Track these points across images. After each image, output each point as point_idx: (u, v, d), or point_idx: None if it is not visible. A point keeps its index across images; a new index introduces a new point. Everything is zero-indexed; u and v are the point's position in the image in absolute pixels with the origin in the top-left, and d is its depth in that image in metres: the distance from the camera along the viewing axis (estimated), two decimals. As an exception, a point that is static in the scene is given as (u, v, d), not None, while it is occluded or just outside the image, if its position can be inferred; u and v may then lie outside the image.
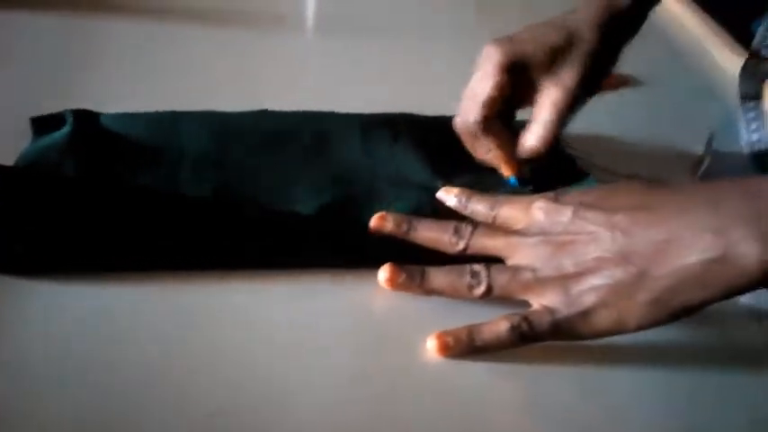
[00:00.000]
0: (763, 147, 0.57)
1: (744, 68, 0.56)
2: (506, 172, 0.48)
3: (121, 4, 0.66)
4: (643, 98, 0.64)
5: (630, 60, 0.62)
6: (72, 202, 0.41)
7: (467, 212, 0.44)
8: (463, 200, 0.44)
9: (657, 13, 0.77)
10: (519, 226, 0.41)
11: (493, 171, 0.49)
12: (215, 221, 0.42)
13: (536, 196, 0.41)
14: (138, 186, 0.44)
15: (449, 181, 0.47)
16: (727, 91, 0.64)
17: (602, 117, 0.58)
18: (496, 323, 0.38)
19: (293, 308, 0.39)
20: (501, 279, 0.39)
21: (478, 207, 0.43)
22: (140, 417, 0.33)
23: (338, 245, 0.43)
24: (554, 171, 0.50)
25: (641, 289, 0.35)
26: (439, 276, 0.40)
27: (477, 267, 0.39)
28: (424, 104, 0.53)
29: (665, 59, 0.71)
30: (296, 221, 0.43)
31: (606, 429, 0.36)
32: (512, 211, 0.42)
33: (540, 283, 0.38)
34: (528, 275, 0.38)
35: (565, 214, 0.38)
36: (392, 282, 0.40)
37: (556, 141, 0.47)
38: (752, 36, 0.69)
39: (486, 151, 0.47)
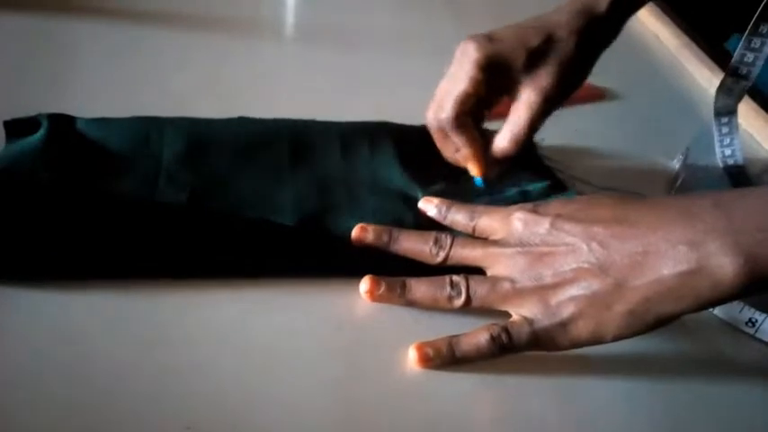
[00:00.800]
0: (735, 161, 0.57)
1: (721, 86, 0.57)
2: (474, 172, 0.48)
3: (100, 8, 0.66)
4: (621, 112, 0.64)
5: (609, 75, 0.63)
6: (45, 209, 0.41)
7: (446, 222, 0.44)
8: (443, 210, 0.44)
9: (636, 30, 0.78)
10: (498, 236, 0.41)
11: (469, 179, 0.49)
12: (191, 229, 0.42)
13: (515, 207, 0.41)
14: (114, 193, 0.44)
15: (427, 188, 0.47)
16: (703, 106, 0.65)
17: (581, 130, 0.59)
18: (476, 334, 0.38)
19: (272, 319, 0.39)
20: (480, 290, 0.39)
21: (458, 217, 0.43)
22: (118, 428, 0.32)
23: (317, 254, 0.42)
24: (520, 176, 0.50)
25: (618, 300, 0.36)
26: (419, 288, 0.40)
27: (457, 278, 0.40)
28: (401, 113, 0.53)
29: (643, 75, 0.72)
30: (274, 230, 0.43)
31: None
32: (491, 222, 0.42)
33: (519, 293, 0.38)
34: (507, 286, 0.38)
35: (543, 225, 0.39)
36: (372, 293, 0.40)
37: (527, 147, 0.47)
38: (726, 53, 0.70)
39: (455, 150, 0.47)
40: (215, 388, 0.35)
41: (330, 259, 0.42)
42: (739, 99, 0.57)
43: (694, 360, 0.41)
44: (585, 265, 0.37)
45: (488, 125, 0.49)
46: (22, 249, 0.39)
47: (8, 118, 0.47)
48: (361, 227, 0.43)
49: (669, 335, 0.40)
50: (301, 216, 0.44)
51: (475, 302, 0.39)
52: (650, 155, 0.58)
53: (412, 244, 0.42)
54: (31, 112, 0.48)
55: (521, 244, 0.39)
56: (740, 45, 0.54)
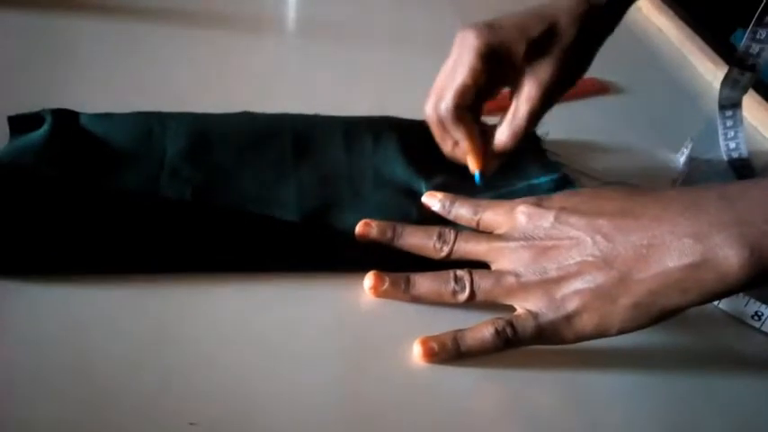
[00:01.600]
0: (740, 154, 0.57)
1: (726, 78, 0.56)
2: (473, 167, 0.47)
3: (102, 5, 0.66)
4: (624, 106, 0.64)
5: (613, 69, 0.63)
6: (49, 204, 0.41)
7: (450, 217, 0.44)
8: (447, 204, 0.44)
9: (639, 23, 0.78)
10: (502, 230, 0.41)
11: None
12: (195, 224, 0.42)
13: (518, 200, 0.41)
14: (117, 188, 0.44)
15: (431, 182, 0.47)
16: (707, 99, 0.64)
17: (585, 124, 0.59)
18: (481, 328, 0.37)
19: (276, 314, 0.39)
20: (484, 284, 0.39)
21: (462, 212, 0.43)
22: (121, 424, 0.32)
23: (321, 249, 0.42)
24: (527, 170, 0.50)
25: (623, 293, 0.36)
26: (423, 283, 0.40)
27: (461, 273, 0.40)
28: (403, 108, 0.53)
29: (647, 68, 0.72)
30: (278, 224, 0.43)
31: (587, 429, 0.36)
32: (495, 216, 0.42)
33: (523, 287, 0.38)
34: (511, 280, 0.38)
35: (547, 219, 0.39)
36: (376, 289, 0.40)
37: (532, 141, 0.47)
38: (731, 47, 0.70)
39: (453, 145, 0.47)
40: (219, 383, 0.35)
41: (334, 254, 0.42)
42: (745, 91, 0.57)
43: (699, 353, 0.41)
44: (590, 259, 0.36)
45: (486, 119, 0.49)
46: (26, 244, 0.39)
47: (12, 113, 0.47)
48: (365, 222, 0.43)
49: (674, 328, 0.40)
50: (305, 211, 0.44)
51: (479, 297, 0.39)
52: (654, 148, 0.58)
53: (416, 239, 0.42)
54: (35, 108, 0.48)
55: (525, 237, 0.39)
56: (746, 36, 0.54)
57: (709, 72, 0.69)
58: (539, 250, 0.38)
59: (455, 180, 0.48)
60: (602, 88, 0.64)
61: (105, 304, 0.38)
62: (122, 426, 0.32)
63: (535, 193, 0.47)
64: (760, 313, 0.42)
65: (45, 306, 0.37)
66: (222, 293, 0.39)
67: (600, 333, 0.37)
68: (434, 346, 0.37)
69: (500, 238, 0.40)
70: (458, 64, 0.45)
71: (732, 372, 0.40)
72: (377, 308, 0.40)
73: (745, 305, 0.43)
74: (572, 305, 0.36)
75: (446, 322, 0.39)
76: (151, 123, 0.48)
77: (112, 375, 0.34)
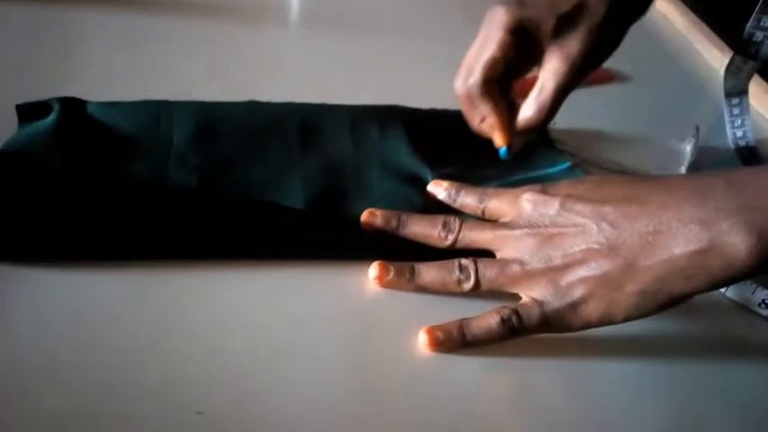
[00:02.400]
0: (747, 143, 0.57)
1: (729, 66, 0.56)
2: (498, 142, 0.47)
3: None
4: (631, 94, 0.64)
5: (618, 57, 0.62)
6: (57, 192, 0.41)
7: (456, 205, 0.44)
8: (452, 193, 0.44)
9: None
10: (507, 218, 0.41)
11: (481, 163, 0.48)
12: (201, 212, 0.42)
13: (524, 188, 0.41)
14: (124, 176, 0.44)
15: (437, 171, 0.47)
16: (713, 87, 0.64)
17: (591, 113, 0.59)
18: (486, 317, 0.38)
19: (281, 304, 0.39)
20: (489, 273, 0.39)
21: (467, 200, 0.43)
22: (128, 414, 0.32)
23: (327, 238, 0.42)
24: (535, 159, 0.50)
25: (629, 280, 0.36)
26: (428, 272, 0.40)
27: (466, 262, 0.40)
28: (409, 97, 0.53)
29: (653, 56, 0.71)
30: (284, 213, 0.43)
31: (593, 420, 0.36)
32: (500, 204, 0.42)
33: (529, 275, 0.38)
34: (516, 268, 0.38)
35: (552, 206, 0.39)
36: (381, 279, 0.40)
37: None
38: (736, 33, 0.70)
39: (481, 119, 0.47)
40: (225, 373, 0.35)
41: (339, 243, 0.42)
42: (749, 79, 0.57)
43: (706, 341, 0.41)
44: (595, 246, 0.36)
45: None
46: (33, 232, 0.39)
47: (20, 102, 0.47)
48: (370, 212, 0.43)
49: (681, 316, 0.40)
50: (310, 199, 0.44)
51: (484, 285, 0.39)
52: (661, 137, 0.58)
53: (420, 228, 0.42)
54: (43, 98, 0.48)
55: (530, 225, 0.39)
56: (749, 24, 0.54)
57: (716, 59, 0.69)
58: (544, 238, 0.38)
59: (462, 169, 0.48)
60: (607, 77, 0.64)
61: (110, 294, 0.38)
62: (129, 416, 0.32)
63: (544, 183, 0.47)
64: (767, 301, 0.43)
65: (50, 296, 0.37)
66: (228, 283, 0.40)
67: (606, 320, 0.37)
68: (440, 334, 0.37)
69: (505, 226, 0.40)
70: (487, 39, 0.45)
71: (739, 359, 0.40)
72: (381, 298, 0.40)
73: (753, 293, 0.43)
74: (577, 293, 0.37)
75: (450, 312, 0.39)
76: (158, 111, 0.48)
77: (118, 365, 0.34)
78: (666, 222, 0.35)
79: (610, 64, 0.63)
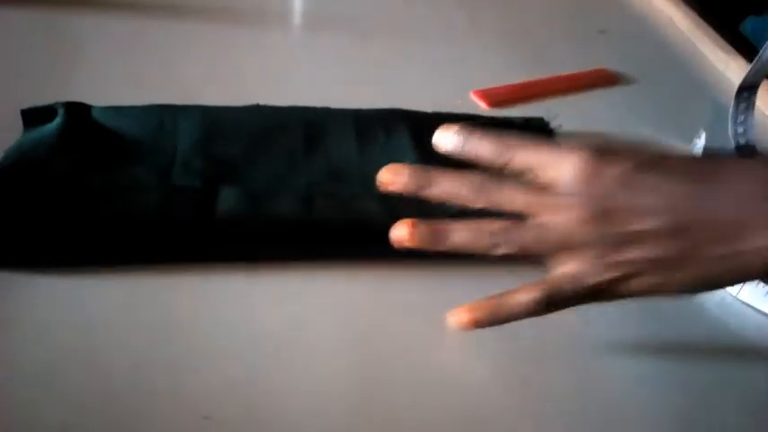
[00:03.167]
0: (747, 140, 0.57)
1: (758, 60, 0.56)
2: None
3: (112, 1, 0.66)
4: (635, 96, 0.64)
5: (623, 59, 0.62)
6: (61, 196, 0.41)
7: (465, 154, 0.38)
8: (462, 138, 0.37)
9: (649, 13, 0.78)
10: (544, 178, 0.35)
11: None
12: (205, 214, 0.42)
13: (573, 147, 0.35)
14: (129, 180, 0.44)
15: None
16: (717, 88, 0.64)
17: (597, 115, 0.59)
18: (522, 292, 0.35)
19: (287, 305, 0.39)
20: (527, 239, 0.35)
21: (482, 148, 0.37)
22: (136, 419, 0.33)
23: (329, 238, 0.42)
24: None
25: (685, 266, 0.33)
26: (460, 233, 0.36)
27: (503, 225, 0.35)
28: (412, 101, 0.53)
29: (657, 58, 0.71)
30: (287, 214, 0.43)
31: (603, 420, 0.36)
32: (536, 159, 0.36)
33: (572, 248, 0.34)
34: (558, 238, 0.34)
35: (612, 177, 0.34)
36: (412, 237, 0.36)
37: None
38: (740, 36, 0.70)
39: None
40: (232, 377, 0.35)
41: (341, 242, 0.42)
42: (764, 76, 0.57)
43: (717, 344, 0.41)
44: (658, 227, 0.33)
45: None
46: (38, 237, 0.39)
47: (23, 107, 0.47)
48: (393, 167, 0.38)
49: (692, 317, 0.41)
50: (314, 200, 0.44)
51: (519, 252, 0.35)
52: (666, 139, 0.58)
53: (447, 187, 0.37)
54: (46, 102, 0.48)
55: (580, 194, 0.34)
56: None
57: (721, 61, 0.69)
58: (597, 211, 0.34)
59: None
60: (610, 79, 0.64)
61: (115, 298, 0.38)
62: (136, 420, 0.33)
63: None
64: None
65: (55, 301, 0.37)
66: (234, 286, 0.40)
67: (650, 295, 0.35)
68: (473, 312, 0.36)
69: (546, 191, 0.35)
70: None
71: (750, 363, 0.40)
72: (386, 297, 0.41)
73: (765, 294, 0.43)
74: (626, 270, 0.34)
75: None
76: (163, 116, 0.49)
77: (126, 369, 0.35)
78: (737, 210, 0.33)
79: (614, 66, 0.64)
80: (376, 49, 0.65)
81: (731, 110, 0.57)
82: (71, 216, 0.40)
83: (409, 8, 0.74)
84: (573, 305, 0.35)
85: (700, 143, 0.56)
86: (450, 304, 0.40)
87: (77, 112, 0.47)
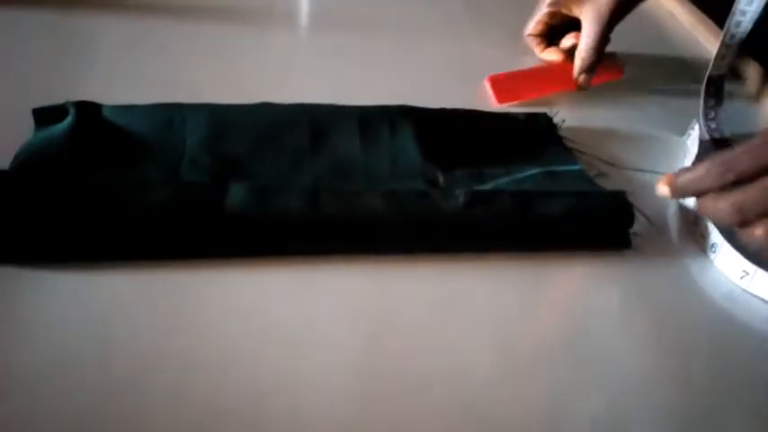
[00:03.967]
0: (721, 134, 0.57)
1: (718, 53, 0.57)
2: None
3: (118, 2, 0.66)
4: (638, 91, 0.64)
5: (625, 55, 0.63)
6: (72, 194, 0.41)
7: (690, 194, 0.42)
8: (675, 188, 0.42)
9: (650, 8, 0.78)
10: None
11: (491, 161, 0.49)
12: (214, 210, 0.42)
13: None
14: (138, 177, 0.44)
15: (448, 172, 0.48)
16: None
17: (599, 110, 0.59)
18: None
19: (296, 300, 0.40)
20: None
21: (701, 183, 0.41)
22: (144, 413, 0.33)
23: (336, 233, 0.43)
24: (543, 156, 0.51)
25: None
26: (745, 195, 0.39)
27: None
28: (417, 98, 0.53)
29: (658, 53, 0.72)
30: (294, 210, 0.43)
31: (609, 415, 0.37)
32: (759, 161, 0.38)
33: None
34: None
35: None
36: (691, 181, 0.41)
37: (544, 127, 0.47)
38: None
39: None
40: (243, 369, 0.35)
41: (347, 238, 0.43)
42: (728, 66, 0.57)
43: (724, 336, 0.42)
44: None
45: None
46: (49, 234, 0.39)
47: (36, 106, 0.48)
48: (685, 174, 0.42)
49: (700, 310, 0.41)
50: (320, 196, 0.44)
51: None
52: (668, 132, 0.58)
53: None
54: (58, 101, 0.48)
55: None
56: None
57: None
58: None
59: (472, 168, 0.48)
60: (617, 72, 0.64)
61: (125, 293, 0.38)
62: (145, 415, 0.33)
63: (551, 179, 0.47)
64: (747, 271, 0.43)
65: (65, 296, 0.38)
66: (242, 281, 0.40)
67: None
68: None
69: None
70: (537, 10, 0.64)
71: (759, 355, 0.41)
72: (395, 293, 0.41)
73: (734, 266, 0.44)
74: None
75: (468, 311, 0.39)
76: (171, 114, 0.49)
77: (135, 363, 0.35)
78: None
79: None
80: (382, 47, 0.65)
81: (701, 106, 0.57)
82: (81, 212, 0.40)
83: (414, 6, 0.74)
84: None
85: (693, 134, 0.56)
86: (457, 298, 0.41)
87: (88, 111, 0.48)
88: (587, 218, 0.45)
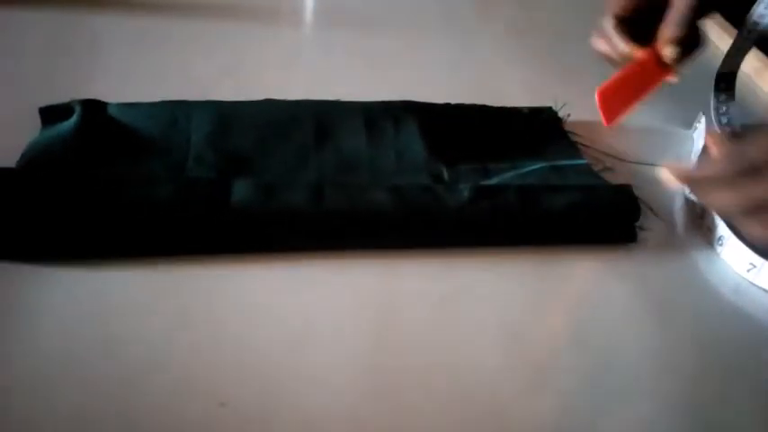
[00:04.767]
0: (731, 128, 0.57)
1: (733, 46, 0.57)
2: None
3: (126, 0, 0.67)
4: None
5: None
6: (79, 191, 0.41)
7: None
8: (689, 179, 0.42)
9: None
10: None
11: (495, 155, 0.49)
12: (219, 205, 0.42)
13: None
14: (144, 174, 0.45)
15: (453, 167, 0.48)
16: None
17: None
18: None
19: (301, 294, 0.40)
20: None
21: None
22: (153, 406, 0.33)
23: (340, 228, 0.43)
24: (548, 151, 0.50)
25: None
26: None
27: None
28: (422, 95, 0.53)
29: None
30: (299, 205, 0.43)
31: (614, 404, 0.37)
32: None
33: None
34: None
35: None
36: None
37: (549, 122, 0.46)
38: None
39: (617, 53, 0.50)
40: (247, 365, 0.36)
41: (356, 232, 0.43)
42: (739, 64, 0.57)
43: (731, 329, 0.42)
44: None
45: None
46: (57, 230, 0.40)
47: (43, 105, 0.48)
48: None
49: (707, 303, 0.41)
50: (324, 191, 0.44)
51: None
52: (674, 126, 0.58)
53: None
54: (64, 100, 0.49)
55: None
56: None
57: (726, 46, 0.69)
58: None
59: (476, 163, 0.48)
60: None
61: (134, 288, 0.39)
62: (154, 407, 0.33)
63: (556, 173, 0.47)
64: (754, 263, 0.43)
65: (75, 290, 0.38)
66: (248, 275, 0.40)
67: None
68: None
69: None
70: None
71: (765, 349, 0.41)
72: (399, 287, 0.41)
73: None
74: None
75: (471, 307, 0.39)
76: (176, 112, 0.49)
77: (143, 357, 0.35)
78: None
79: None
80: (386, 44, 0.65)
81: (712, 101, 0.57)
82: (87, 209, 0.40)
83: (419, 3, 0.75)
84: None
85: (700, 127, 0.56)
86: (463, 292, 0.41)
87: (94, 109, 0.48)
88: (593, 212, 0.45)
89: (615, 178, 0.49)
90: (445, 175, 0.47)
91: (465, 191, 0.44)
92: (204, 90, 0.53)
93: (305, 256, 0.42)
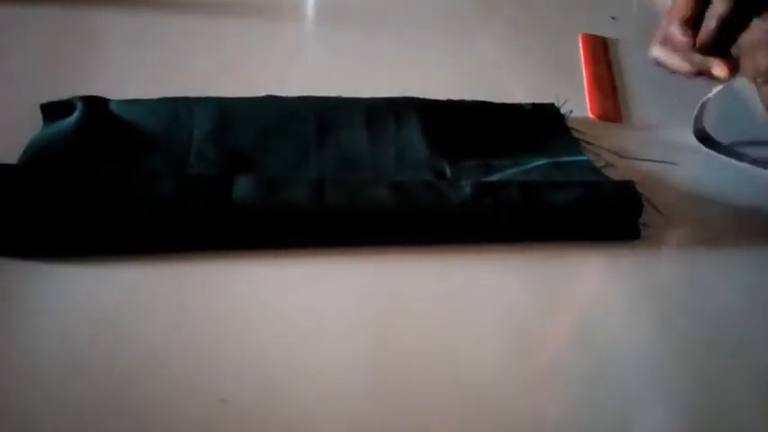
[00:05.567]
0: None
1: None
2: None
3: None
4: (639, 78, 0.64)
5: (627, 39, 0.62)
6: (78, 188, 0.41)
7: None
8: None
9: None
10: None
11: (497, 152, 0.49)
12: (221, 201, 0.42)
13: None
14: (146, 171, 0.44)
15: (455, 164, 0.47)
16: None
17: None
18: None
19: (303, 291, 0.40)
20: None
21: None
22: (153, 402, 0.33)
23: (342, 225, 0.43)
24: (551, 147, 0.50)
25: None
26: None
27: None
28: (422, 90, 0.53)
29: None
30: (301, 201, 0.43)
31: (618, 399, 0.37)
32: None
33: None
34: None
35: None
36: None
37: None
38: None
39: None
40: (248, 361, 0.36)
41: (358, 229, 0.43)
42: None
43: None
44: None
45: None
46: (58, 227, 0.40)
47: (44, 101, 0.48)
48: None
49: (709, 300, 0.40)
50: (326, 188, 0.44)
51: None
52: (678, 123, 0.58)
53: None
54: (65, 97, 0.49)
55: None
56: None
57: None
58: None
59: (478, 159, 0.48)
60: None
61: (135, 284, 0.39)
62: (154, 404, 0.33)
63: (559, 170, 0.47)
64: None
65: (75, 289, 0.38)
66: (250, 272, 0.40)
67: None
68: None
69: None
70: None
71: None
72: (402, 284, 0.41)
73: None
74: None
75: (474, 302, 0.39)
76: (178, 108, 0.49)
77: (143, 354, 0.35)
78: None
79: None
80: (388, 41, 0.65)
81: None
82: (89, 206, 0.40)
83: (420, 0, 0.75)
84: None
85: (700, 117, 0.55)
86: (465, 289, 0.41)
87: (95, 105, 0.48)
88: (596, 208, 0.45)
89: (617, 175, 0.49)
90: (447, 171, 0.47)
91: (467, 187, 0.44)
92: (205, 86, 0.53)
93: (306, 253, 0.42)
